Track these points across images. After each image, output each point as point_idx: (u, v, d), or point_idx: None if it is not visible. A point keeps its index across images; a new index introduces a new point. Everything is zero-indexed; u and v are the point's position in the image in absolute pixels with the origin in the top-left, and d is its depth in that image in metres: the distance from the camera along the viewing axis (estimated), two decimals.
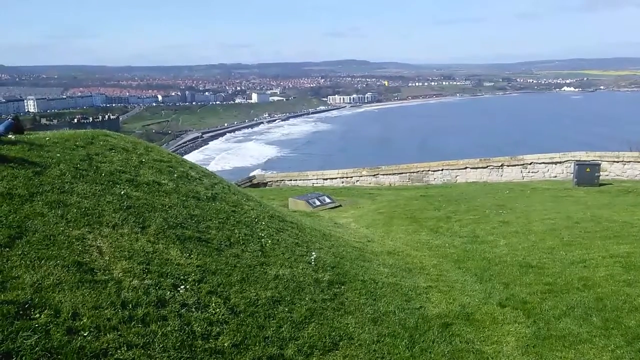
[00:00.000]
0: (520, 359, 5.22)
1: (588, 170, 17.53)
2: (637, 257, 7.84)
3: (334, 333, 5.16)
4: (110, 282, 4.54)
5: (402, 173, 22.56)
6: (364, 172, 23.10)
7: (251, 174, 28.42)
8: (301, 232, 8.73)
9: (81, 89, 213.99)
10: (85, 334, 3.79)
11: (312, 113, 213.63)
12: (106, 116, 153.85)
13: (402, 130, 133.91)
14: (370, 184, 22.54)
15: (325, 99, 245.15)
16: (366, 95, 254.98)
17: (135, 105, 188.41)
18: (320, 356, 4.71)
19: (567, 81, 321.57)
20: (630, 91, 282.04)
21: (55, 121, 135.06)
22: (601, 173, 17.90)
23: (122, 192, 6.51)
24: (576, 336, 5.58)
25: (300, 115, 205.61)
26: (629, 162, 19.59)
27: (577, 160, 18.77)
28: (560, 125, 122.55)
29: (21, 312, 3.75)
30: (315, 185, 22.70)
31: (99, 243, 5.13)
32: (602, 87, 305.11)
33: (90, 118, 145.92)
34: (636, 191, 15.65)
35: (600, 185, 17.19)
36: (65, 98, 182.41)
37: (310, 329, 5.10)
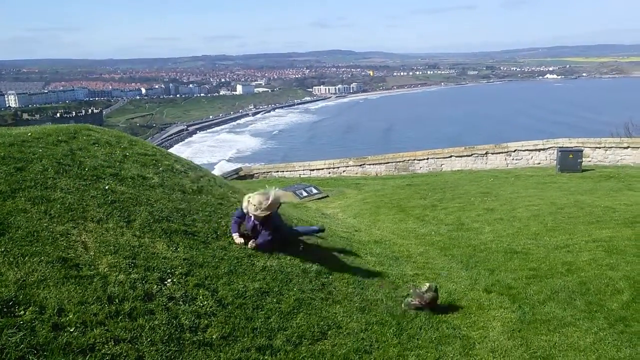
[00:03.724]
0: (506, 343, 5.29)
1: (571, 156, 17.74)
2: (619, 241, 7.97)
3: (322, 322, 5.18)
4: (96, 277, 4.51)
5: (388, 162, 22.63)
6: (351, 162, 23.14)
7: (237, 166, 28.32)
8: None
9: (63, 83, 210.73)
10: (71, 330, 3.77)
11: (298, 104, 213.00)
12: (89, 110, 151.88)
13: (385, 119, 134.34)
14: (357, 174, 22.59)
15: (311, 90, 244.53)
16: (351, 86, 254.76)
17: (119, 98, 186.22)
18: (309, 345, 4.74)
19: (550, 69, 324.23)
20: (612, 78, 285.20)
21: (37, 116, 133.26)
22: (584, 159, 18.12)
23: (107, 187, 6.45)
24: (560, 320, 5.67)
25: (286, 107, 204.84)
26: (611, 147, 19.85)
27: (560, 147, 18.98)
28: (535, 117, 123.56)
29: (5, 310, 3.71)
30: (302, 176, 22.68)
31: (84, 238, 5.09)
32: (584, 74, 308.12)
33: (73, 112, 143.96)
34: (618, 176, 15.89)
35: (583, 171, 17.41)
36: (47, 92, 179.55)
37: (298, 319, 5.12)
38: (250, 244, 6.35)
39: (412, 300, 5.90)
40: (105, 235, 5.30)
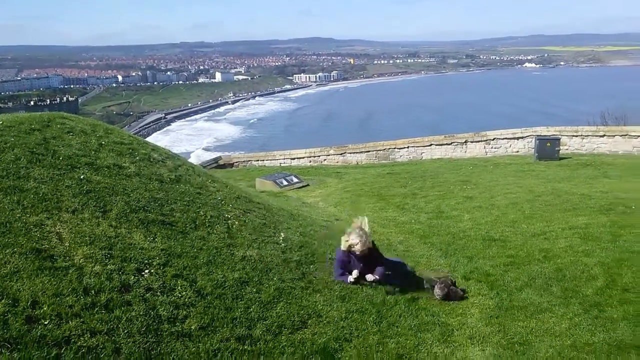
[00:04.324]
0: (484, 329, 5.36)
1: (549, 144, 17.96)
2: (594, 228, 8.12)
3: (302, 312, 5.18)
4: (71, 269, 4.43)
5: (368, 151, 22.66)
6: (331, 151, 23.11)
7: (217, 155, 28.09)
8: (269, 213, 8.69)
9: (37, 70, 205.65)
10: (46, 323, 3.69)
11: (278, 92, 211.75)
12: (64, 98, 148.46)
13: (366, 108, 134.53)
14: (337, 162, 22.58)
15: (291, 78, 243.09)
16: (332, 74, 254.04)
17: (95, 86, 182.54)
18: (289, 335, 4.73)
19: (529, 57, 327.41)
20: (589, 67, 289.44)
21: (10, 104, 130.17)
22: (561, 147, 18.38)
23: (82, 177, 6.32)
24: (537, 306, 5.76)
25: (266, 95, 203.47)
26: (587, 136, 20.17)
27: (538, 135, 19.21)
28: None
29: None
30: (282, 165, 22.59)
31: (59, 229, 4.99)
32: (562, 63, 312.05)
33: (48, 100, 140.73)
34: (594, 164, 16.17)
35: (561, 159, 17.66)
36: (20, 80, 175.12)
37: (278, 308, 5.11)
38: (370, 276, 6.16)
39: (439, 293, 6.07)
40: (81, 226, 5.20)
